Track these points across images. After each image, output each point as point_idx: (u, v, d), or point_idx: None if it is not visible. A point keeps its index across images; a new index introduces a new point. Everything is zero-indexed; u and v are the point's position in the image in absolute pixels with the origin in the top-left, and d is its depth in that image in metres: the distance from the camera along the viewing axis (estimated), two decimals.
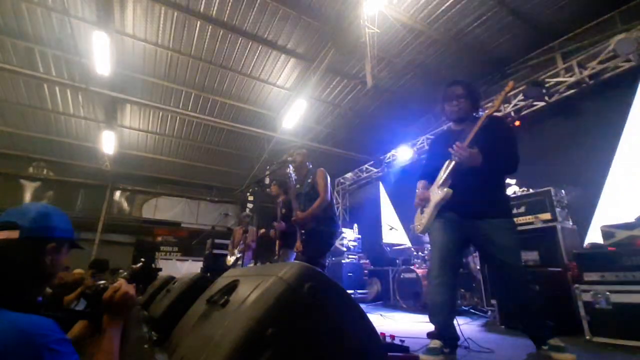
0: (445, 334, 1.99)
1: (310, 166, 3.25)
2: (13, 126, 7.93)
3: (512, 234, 2.01)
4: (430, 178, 2.23)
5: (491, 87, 6.05)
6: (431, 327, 2.07)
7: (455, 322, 2.04)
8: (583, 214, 4.09)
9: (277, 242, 3.81)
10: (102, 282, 1.10)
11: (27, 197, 9.38)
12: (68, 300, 2.41)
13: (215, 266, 5.99)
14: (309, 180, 3.12)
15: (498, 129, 2.08)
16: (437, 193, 2.08)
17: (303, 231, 3.03)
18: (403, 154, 7.56)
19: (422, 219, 2.18)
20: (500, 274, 2.10)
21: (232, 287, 1.17)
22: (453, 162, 2.02)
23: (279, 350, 0.79)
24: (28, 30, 5.40)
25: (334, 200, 3.42)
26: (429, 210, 2.12)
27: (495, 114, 2.06)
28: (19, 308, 0.74)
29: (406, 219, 7.13)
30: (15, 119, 7.67)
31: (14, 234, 0.86)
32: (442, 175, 2.09)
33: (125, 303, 1.01)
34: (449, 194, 1.99)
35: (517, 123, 5.28)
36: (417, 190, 2.30)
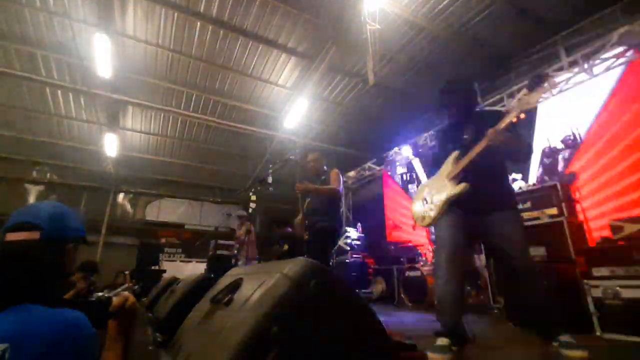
0: (453, 332, 1.96)
1: (326, 167, 3.32)
2: (16, 130, 7.97)
3: (520, 225, 1.98)
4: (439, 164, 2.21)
5: (494, 82, 6.00)
6: (437, 326, 2.04)
7: (463, 319, 2.01)
8: None
9: None
10: (101, 294, 1.14)
11: (31, 201, 9.43)
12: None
13: (219, 267, 5.98)
14: (323, 177, 3.18)
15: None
16: (449, 186, 2.01)
17: (307, 232, 3.05)
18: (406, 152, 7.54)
19: (428, 210, 2.13)
20: (508, 268, 2.07)
21: (236, 285, 1.15)
22: (472, 154, 1.93)
23: (284, 349, 0.77)
24: (30, 35, 5.42)
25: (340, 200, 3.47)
26: (439, 203, 2.05)
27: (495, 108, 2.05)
28: (49, 304, 0.76)
29: None
30: (18, 123, 7.71)
31: (35, 235, 0.88)
32: (451, 167, 2.04)
33: (134, 312, 1.07)
34: (466, 188, 1.93)
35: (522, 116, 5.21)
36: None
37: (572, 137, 4.73)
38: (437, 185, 2.10)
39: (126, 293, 1.08)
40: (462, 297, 2.05)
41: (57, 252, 0.93)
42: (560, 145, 4.84)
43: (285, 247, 3.72)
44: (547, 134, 5.03)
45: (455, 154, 2.03)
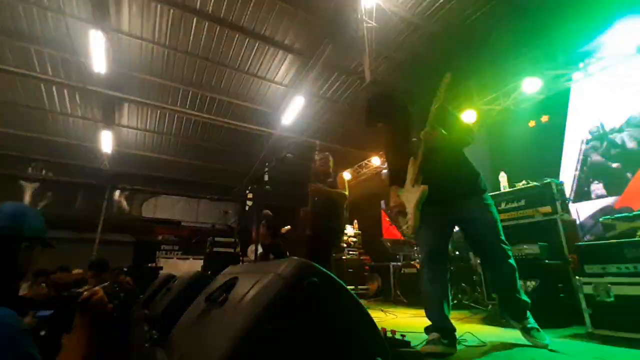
0: (441, 326, 2.00)
1: (331, 171, 3.43)
2: (11, 127, 7.90)
3: (488, 209, 2.01)
4: (399, 180, 2.22)
5: (490, 81, 6.01)
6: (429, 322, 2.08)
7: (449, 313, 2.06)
8: None
9: None
10: (73, 289, 1.15)
11: (27, 198, 9.37)
12: None
13: (215, 264, 5.98)
14: (330, 180, 3.29)
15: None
16: (413, 192, 2.03)
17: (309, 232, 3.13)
18: None
19: (407, 221, 2.13)
20: (481, 251, 2.15)
21: (231, 284, 1.16)
22: (418, 160, 2.00)
23: (277, 348, 0.78)
24: (24, 30, 5.37)
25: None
26: (410, 211, 2.06)
27: None
28: None
29: None
30: (13, 119, 7.64)
31: None
32: (411, 171, 2.06)
33: (98, 306, 1.06)
34: (425, 191, 1.96)
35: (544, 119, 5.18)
36: (390, 200, 2.31)
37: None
38: (407, 192, 2.12)
39: (96, 288, 1.09)
40: (446, 292, 2.09)
41: (9, 250, 0.98)
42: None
43: (272, 257, 3.79)
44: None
45: (411, 160, 2.07)
